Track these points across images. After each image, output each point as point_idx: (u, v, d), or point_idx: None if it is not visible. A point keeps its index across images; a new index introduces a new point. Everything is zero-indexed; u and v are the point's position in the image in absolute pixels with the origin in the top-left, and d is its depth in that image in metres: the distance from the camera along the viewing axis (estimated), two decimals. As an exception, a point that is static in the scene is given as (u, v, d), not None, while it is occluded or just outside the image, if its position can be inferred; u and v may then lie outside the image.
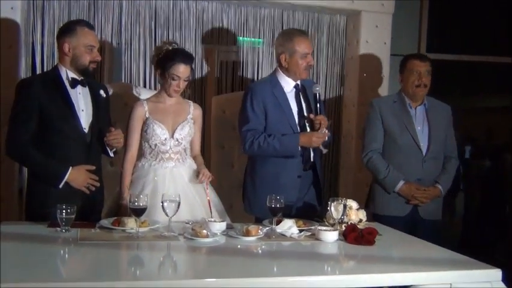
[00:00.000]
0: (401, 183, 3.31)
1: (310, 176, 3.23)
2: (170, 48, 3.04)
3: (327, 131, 3.09)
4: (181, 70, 2.97)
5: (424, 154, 3.36)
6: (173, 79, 2.97)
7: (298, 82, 3.21)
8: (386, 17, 4.31)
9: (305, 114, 3.17)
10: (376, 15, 4.28)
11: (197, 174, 3.00)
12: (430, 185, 3.37)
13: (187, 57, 3.02)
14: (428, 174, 3.38)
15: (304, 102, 3.21)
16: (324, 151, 3.19)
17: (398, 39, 4.43)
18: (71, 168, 2.77)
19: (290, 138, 3.08)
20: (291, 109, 3.16)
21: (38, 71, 3.84)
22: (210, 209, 2.95)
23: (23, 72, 3.81)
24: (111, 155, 3.00)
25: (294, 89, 3.20)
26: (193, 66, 3.10)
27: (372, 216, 3.25)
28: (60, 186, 2.76)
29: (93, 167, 2.86)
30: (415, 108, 3.44)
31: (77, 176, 2.80)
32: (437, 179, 3.40)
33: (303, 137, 3.08)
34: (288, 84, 3.19)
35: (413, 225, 3.30)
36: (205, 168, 3.06)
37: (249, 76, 4.31)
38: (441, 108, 3.53)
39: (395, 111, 3.41)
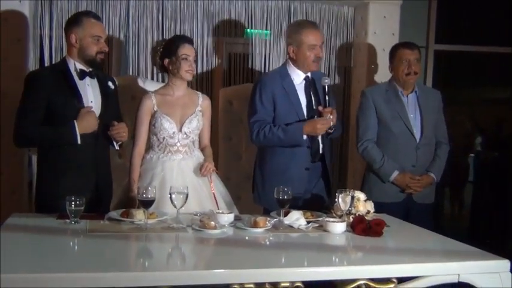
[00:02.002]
0: (395, 173, 3.38)
1: (319, 168, 3.23)
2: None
3: (331, 117, 3.05)
4: (188, 49, 2.99)
5: (417, 141, 3.42)
6: (183, 59, 2.97)
7: (309, 74, 3.20)
8: (395, 7, 4.28)
9: (314, 106, 3.16)
10: (384, 5, 4.25)
11: (201, 167, 2.99)
12: (424, 171, 3.43)
13: (188, 38, 3.11)
14: (422, 161, 3.44)
15: (314, 94, 3.19)
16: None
17: (406, 30, 4.40)
18: (75, 121, 2.77)
19: (294, 127, 3.07)
20: (299, 101, 3.14)
21: (46, 65, 3.86)
22: (216, 202, 2.95)
23: (31, 66, 3.83)
24: (116, 147, 3.01)
25: (304, 81, 3.19)
26: (196, 52, 3.14)
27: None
28: (78, 141, 2.76)
29: (90, 107, 2.84)
30: (407, 96, 3.49)
31: (86, 120, 2.79)
32: (429, 168, 3.46)
33: (307, 125, 3.06)
34: (298, 76, 3.18)
35: (407, 209, 3.38)
36: (211, 161, 3.04)
37: (257, 68, 4.31)
38: (431, 94, 3.59)
39: (387, 100, 3.46)
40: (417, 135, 3.42)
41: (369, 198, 3.09)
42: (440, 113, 3.57)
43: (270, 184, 3.01)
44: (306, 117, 3.13)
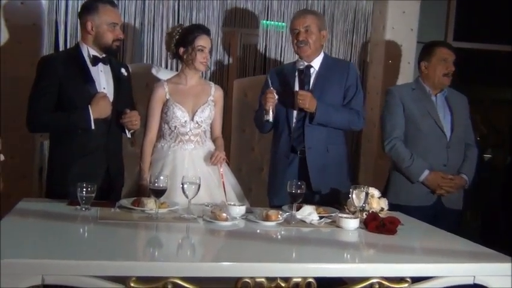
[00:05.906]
0: (426, 172, 3.24)
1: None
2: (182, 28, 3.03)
3: (300, 100, 2.96)
4: (205, 40, 2.95)
5: (448, 139, 3.31)
6: (199, 50, 2.93)
7: (304, 63, 3.11)
8: (414, 3, 4.21)
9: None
10: (403, 0, 4.18)
11: (211, 156, 2.96)
12: (455, 172, 3.31)
13: (206, 29, 3.05)
14: (454, 160, 3.32)
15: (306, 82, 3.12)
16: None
17: (425, 27, 4.33)
18: (89, 106, 2.75)
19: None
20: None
21: (61, 50, 3.84)
22: (225, 192, 2.92)
23: (46, 51, 3.81)
24: (128, 135, 2.99)
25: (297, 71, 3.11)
26: (212, 43, 3.08)
27: (392, 207, 3.16)
28: (92, 126, 2.75)
29: (104, 93, 2.83)
30: (436, 96, 3.39)
31: (101, 105, 2.77)
32: (461, 169, 3.34)
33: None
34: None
35: (435, 214, 3.24)
36: (222, 151, 3.01)
37: (272, 60, 4.27)
38: (460, 98, 3.48)
39: (415, 98, 3.35)
40: (447, 133, 3.30)
41: (395, 202, 3.03)
42: (469, 117, 3.46)
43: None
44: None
